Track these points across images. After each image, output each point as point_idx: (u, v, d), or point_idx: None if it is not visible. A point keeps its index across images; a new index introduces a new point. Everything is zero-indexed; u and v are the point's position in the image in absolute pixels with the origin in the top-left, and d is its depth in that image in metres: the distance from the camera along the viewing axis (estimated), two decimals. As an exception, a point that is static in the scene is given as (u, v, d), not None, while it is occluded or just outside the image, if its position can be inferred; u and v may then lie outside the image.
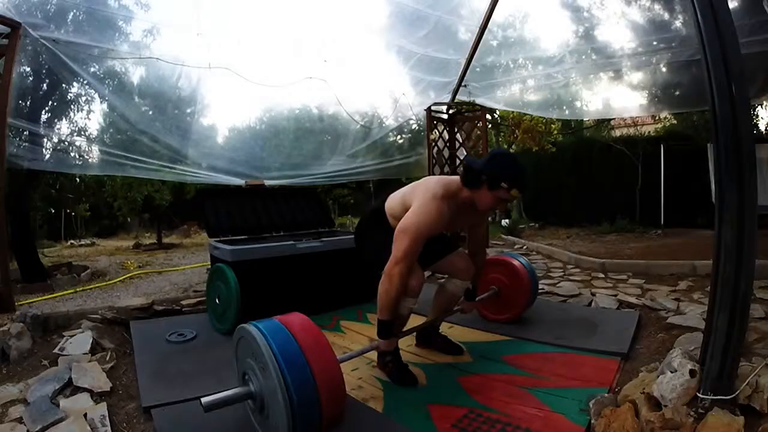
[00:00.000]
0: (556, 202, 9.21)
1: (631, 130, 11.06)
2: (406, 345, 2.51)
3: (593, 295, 3.44)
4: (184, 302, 3.47)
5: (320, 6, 4.21)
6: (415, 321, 2.60)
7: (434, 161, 5.60)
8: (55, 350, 2.44)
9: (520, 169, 1.96)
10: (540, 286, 3.80)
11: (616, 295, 3.35)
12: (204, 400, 1.44)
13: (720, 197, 1.50)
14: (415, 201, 2.00)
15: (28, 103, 4.33)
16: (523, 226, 9.12)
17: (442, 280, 2.49)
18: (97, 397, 1.98)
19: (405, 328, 2.22)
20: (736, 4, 3.60)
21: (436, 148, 5.80)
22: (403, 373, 2.12)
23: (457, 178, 2.07)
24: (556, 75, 5.20)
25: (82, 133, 4.90)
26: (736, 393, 1.44)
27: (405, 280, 1.91)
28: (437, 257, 2.33)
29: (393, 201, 2.18)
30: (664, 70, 4.72)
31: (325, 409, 1.40)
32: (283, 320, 1.54)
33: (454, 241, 2.49)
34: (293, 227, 3.87)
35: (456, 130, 6.01)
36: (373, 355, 2.31)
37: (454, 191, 2.03)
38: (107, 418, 1.77)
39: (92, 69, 4.13)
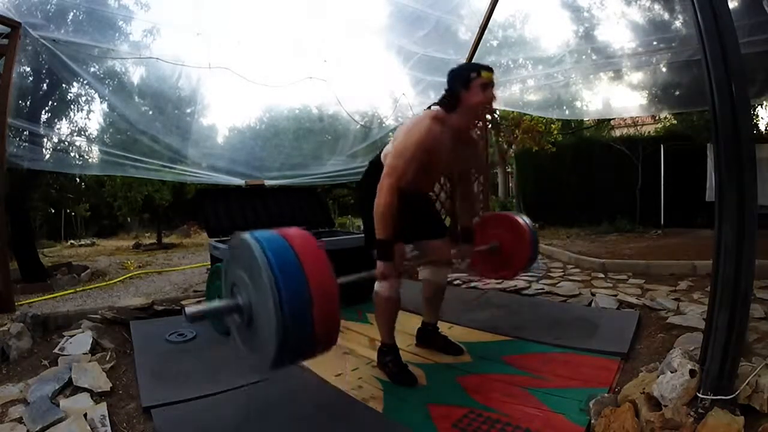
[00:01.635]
0: (556, 202, 9.21)
1: (631, 130, 11.07)
2: (406, 345, 2.51)
3: (593, 295, 3.44)
4: (184, 302, 3.47)
5: (320, 6, 4.21)
6: (413, 321, 2.61)
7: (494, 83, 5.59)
8: (55, 350, 2.44)
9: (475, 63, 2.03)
10: (540, 286, 3.81)
11: (616, 295, 3.35)
12: (188, 309, 1.35)
13: (720, 197, 1.50)
14: (405, 130, 1.99)
15: (28, 103, 4.33)
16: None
17: (424, 274, 2.44)
18: (97, 397, 1.98)
19: (403, 328, 2.22)
20: (736, 4, 3.60)
21: (436, 148, 5.79)
22: (402, 373, 2.12)
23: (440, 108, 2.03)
24: (556, 75, 5.20)
25: (82, 133, 4.91)
26: (736, 393, 1.44)
27: (395, 194, 1.84)
28: (426, 233, 2.26)
29: (388, 148, 2.10)
30: (664, 70, 4.72)
31: (317, 325, 1.30)
32: (282, 231, 1.44)
33: (444, 227, 2.46)
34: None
35: (456, 130, 6.01)
36: (373, 355, 2.31)
37: (442, 118, 1.98)
38: (107, 418, 1.77)
39: (92, 69, 4.13)
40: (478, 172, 2.40)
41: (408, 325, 2.66)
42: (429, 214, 2.37)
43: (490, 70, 1.95)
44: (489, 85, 1.95)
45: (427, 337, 2.51)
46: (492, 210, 10.22)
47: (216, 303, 1.46)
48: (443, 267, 2.39)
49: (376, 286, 2.17)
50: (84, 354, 2.41)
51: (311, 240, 1.45)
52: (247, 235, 1.38)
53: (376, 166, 2.15)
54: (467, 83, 1.93)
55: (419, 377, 2.13)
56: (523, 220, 2.70)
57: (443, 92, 2.03)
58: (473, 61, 5.07)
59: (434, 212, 2.50)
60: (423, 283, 2.46)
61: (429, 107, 2.11)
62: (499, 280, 4.15)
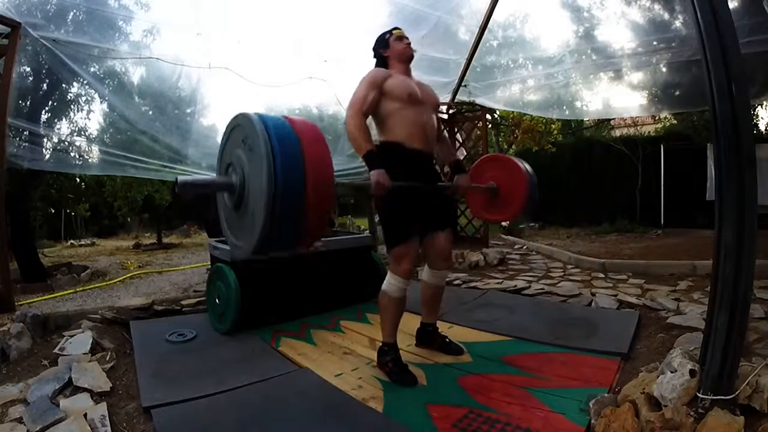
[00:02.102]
0: (556, 202, 9.21)
1: (631, 130, 11.06)
2: (406, 345, 2.51)
3: (593, 295, 3.44)
4: (184, 302, 3.47)
5: (320, 6, 4.21)
6: (413, 321, 2.61)
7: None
8: (55, 350, 2.44)
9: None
10: (540, 286, 3.81)
11: (616, 295, 3.35)
12: (180, 179, 1.34)
13: (720, 197, 1.50)
14: None
15: (28, 103, 4.33)
16: (522, 226, 9.11)
17: (423, 275, 2.45)
18: (97, 397, 1.98)
19: (403, 328, 2.21)
20: (736, 4, 3.60)
21: (436, 148, 5.79)
22: (402, 373, 2.12)
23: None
24: (556, 75, 5.21)
25: (82, 133, 4.90)
26: (736, 393, 1.44)
27: (359, 117, 2.05)
28: (433, 226, 2.28)
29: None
30: (664, 70, 4.73)
31: (309, 205, 1.28)
32: (289, 117, 1.44)
33: (453, 217, 2.49)
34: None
35: (456, 130, 6.01)
36: (373, 355, 2.31)
37: (382, 70, 2.27)
38: (107, 418, 1.77)
39: (92, 69, 4.13)
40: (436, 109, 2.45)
41: (408, 325, 2.66)
42: (439, 202, 2.34)
43: (398, 28, 2.35)
44: (401, 37, 2.31)
45: (427, 337, 2.51)
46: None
47: (210, 177, 1.46)
48: (442, 270, 2.38)
49: (386, 284, 2.18)
50: (84, 354, 2.41)
51: (311, 125, 1.45)
52: (252, 114, 1.38)
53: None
54: (385, 43, 2.31)
55: (419, 377, 2.13)
56: (523, 164, 2.66)
57: (375, 53, 2.37)
58: (473, 61, 5.09)
59: (446, 200, 2.44)
60: (421, 284, 2.46)
61: None
62: (499, 282, 4.15)
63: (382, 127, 2.22)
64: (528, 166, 2.68)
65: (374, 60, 2.38)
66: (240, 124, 1.44)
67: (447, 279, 2.50)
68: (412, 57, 2.31)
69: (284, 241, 1.35)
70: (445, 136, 2.69)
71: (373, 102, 2.12)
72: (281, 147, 1.26)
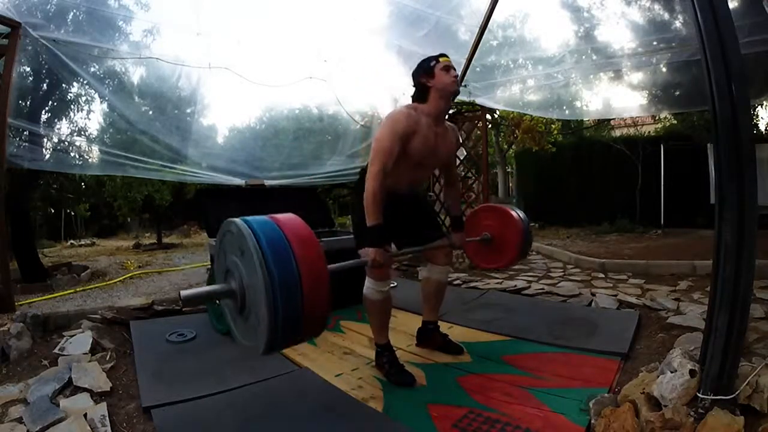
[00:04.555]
0: (556, 202, 9.21)
1: (631, 130, 11.07)
2: (406, 345, 2.52)
3: (593, 295, 3.44)
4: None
5: (320, 6, 4.21)
6: (413, 321, 2.61)
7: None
8: (55, 350, 2.44)
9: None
10: (540, 286, 3.81)
11: (616, 295, 3.35)
12: (183, 293, 1.40)
13: (720, 197, 1.50)
14: (383, 122, 2.07)
15: (28, 103, 4.33)
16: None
17: (424, 273, 2.47)
18: (97, 397, 1.98)
19: (403, 328, 2.22)
20: (736, 4, 3.60)
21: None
22: (399, 373, 2.11)
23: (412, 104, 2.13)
24: (556, 75, 5.20)
25: (82, 133, 4.90)
26: (736, 393, 1.44)
27: (380, 180, 1.92)
28: (424, 238, 2.29)
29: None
30: (664, 70, 4.72)
31: (306, 306, 1.33)
32: (273, 216, 1.48)
33: (440, 229, 2.48)
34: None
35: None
36: (373, 355, 2.31)
37: (417, 107, 2.09)
38: (107, 418, 1.77)
39: (92, 69, 4.12)
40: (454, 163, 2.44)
41: (408, 325, 2.67)
42: (425, 219, 2.37)
43: (445, 55, 2.11)
44: (449, 67, 2.08)
45: (428, 336, 2.50)
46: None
47: (211, 287, 1.49)
48: (444, 265, 2.39)
49: (365, 288, 2.18)
50: (84, 354, 2.41)
51: (301, 224, 1.48)
52: (238, 220, 1.42)
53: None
54: (430, 71, 2.07)
55: (419, 377, 2.13)
56: (516, 212, 2.73)
57: (414, 82, 2.14)
58: (473, 61, 5.08)
59: (431, 216, 2.50)
60: (422, 282, 2.46)
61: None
62: (499, 282, 4.16)
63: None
64: (521, 213, 2.76)
65: (412, 87, 2.16)
66: (229, 231, 1.49)
67: (447, 277, 2.50)
68: (457, 94, 2.14)
69: (291, 332, 1.40)
70: (456, 183, 2.60)
71: (396, 156, 1.97)
72: (275, 258, 1.31)
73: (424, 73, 2.07)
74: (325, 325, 1.48)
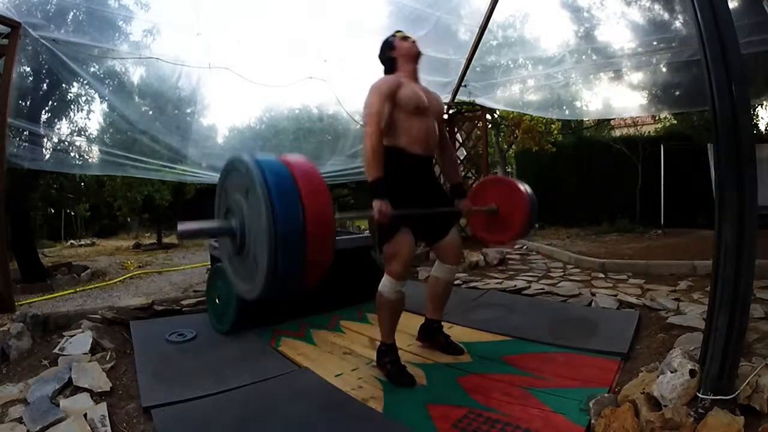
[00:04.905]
0: (556, 202, 9.20)
1: (631, 130, 11.06)
2: (407, 345, 2.51)
3: (593, 295, 3.44)
4: (184, 302, 3.47)
5: (320, 6, 4.21)
6: (413, 321, 2.60)
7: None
8: (55, 350, 2.44)
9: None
10: (540, 286, 3.81)
11: (616, 295, 3.35)
12: (180, 226, 1.36)
13: (720, 197, 1.50)
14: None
15: (28, 103, 4.33)
16: (523, 226, 9.10)
17: (433, 271, 2.45)
18: (97, 397, 1.98)
19: (403, 328, 2.21)
20: (736, 4, 3.60)
21: (436, 148, 5.79)
22: (400, 374, 2.11)
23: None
24: (556, 75, 5.21)
25: (82, 133, 4.91)
26: (736, 393, 1.44)
27: (377, 137, 2.03)
28: (439, 233, 2.30)
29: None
30: (664, 70, 4.73)
31: (310, 248, 1.29)
32: (281, 156, 1.44)
33: (455, 217, 2.49)
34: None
35: (456, 130, 6.02)
36: (373, 354, 2.31)
37: (391, 76, 2.24)
38: (107, 418, 1.77)
39: (92, 69, 4.13)
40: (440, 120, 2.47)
41: (408, 325, 2.66)
42: (438, 202, 2.33)
43: (400, 31, 2.34)
44: (405, 36, 2.29)
45: (430, 334, 2.50)
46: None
47: (210, 223, 1.46)
48: (454, 265, 2.38)
49: (382, 285, 2.16)
50: (84, 354, 2.41)
51: (310, 167, 1.43)
52: (246, 157, 1.38)
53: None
54: (391, 44, 2.28)
55: (419, 377, 2.13)
56: (523, 186, 2.67)
57: (381, 58, 2.33)
58: (473, 61, 5.09)
59: (443, 198, 2.42)
60: (430, 280, 2.46)
61: None
62: (499, 282, 4.15)
63: (385, 131, 2.18)
64: (528, 188, 2.70)
65: (381, 66, 2.34)
66: (235, 168, 1.44)
67: (455, 276, 2.49)
68: (419, 54, 2.29)
69: (290, 281, 1.35)
70: (450, 147, 2.67)
71: (387, 114, 2.10)
72: (277, 186, 1.27)
73: (387, 48, 2.29)
74: (325, 269, 1.41)
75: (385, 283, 2.15)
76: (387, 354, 2.19)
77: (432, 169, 2.39)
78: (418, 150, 2.19)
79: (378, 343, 2.31)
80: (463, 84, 5.35)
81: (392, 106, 2.11)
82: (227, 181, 1.51)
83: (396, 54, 2.26)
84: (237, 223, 1.41)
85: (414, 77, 2.27)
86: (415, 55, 2.28)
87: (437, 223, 2.30)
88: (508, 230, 2.69)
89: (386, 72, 2.31)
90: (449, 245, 2.33)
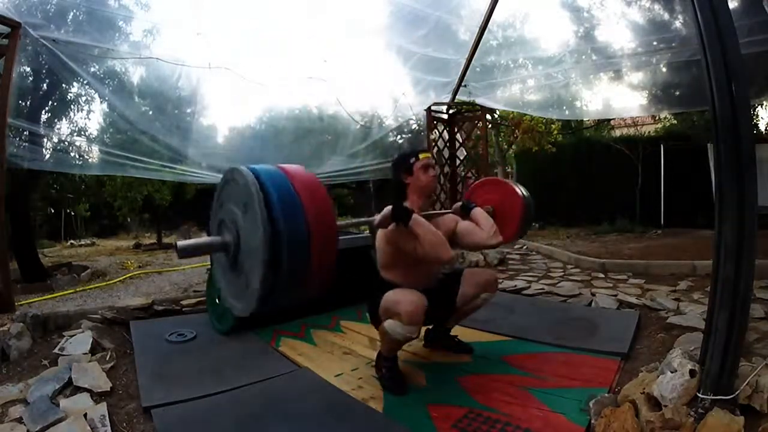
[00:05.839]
0: (556, 202, 9.20)
1: (631, 130, 11.06)
2: (407, 345, 2.50)
3: (593, 295, 3.44)
4: (184, 302, 3.47)
5: (320, 6, 4.21)
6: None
7: (434, 161, 5.63)
8: (55, 350, 2.44)
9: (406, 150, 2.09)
10: (540, 286, 3.81)
11: (616, 295, 3.35)
12: (179, 243, 1.34)
13: (720, 197, 1.50)
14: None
15: (28, 103, 4.33)
16: (523, 226, 9.10)
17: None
18: (97, 397, 1.98)
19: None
20: (736, 4, 3.60)
21: (436, 148, 5.80)
22: (394, 380, 2.05)
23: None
24: (556, 75, 5.21)
25: (82, 133, 4.91)
26: (736, 393, 1.44)
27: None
28: (452, 302, 2.20)
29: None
30: (664, 70, 4.73)
31: (314, 258, 1.24)
32: (281, 167, 1.41)
33: (457, 275, 2.32)
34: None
35: (456, 130, 6.02)
36: (373, 355, 2.31)
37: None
38: (107, 418, 1.77)
39: (92, 69, 4.13)
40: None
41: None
42: (442, 291, 2.22)
43: (426, 151, 2.12)
44: (428, 165, 2.07)
45: (437, 337, 2.49)
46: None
47: (204, 239, 1.47)
48: (492, 292, 2.30)
49: (388, 325, 1.92)
50: (84, 354, 2.41)
51: (311, 176, 1.41)
52: (244, 168, 1.34)
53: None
54: (409, 168, 2.06)
55: (419, 377, 2.13)
56: (519, 188, 2.66)
57: (393, 184, 2.11)
58: (473, 61, 5.08)
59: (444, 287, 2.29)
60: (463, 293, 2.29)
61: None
62: (499, 282, 4.15)
63: (388, 269, 2.10)
64: (524, 190, 2.69)
65: (391, 179, 2.14)
66: (233, 180, 1.40)
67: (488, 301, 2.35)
68: (435, 192, 2.08)
69: (286, 296, 1.33)
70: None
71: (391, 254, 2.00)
72: (279, 195, 1.23)
73: (402, 169, 2.07)
74: (326, 288, 1.40)
75: (394, 327, 1.89)
76: (387, 360, 2.15)
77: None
78: (419, 287, 2.03)
79: (378, 343, 2.30)
80: (463, 84, 5.35)
81: (396, 250, 1.98)
82: (223, 193, 1.48)
83: (410, 182, 2.04)
84: (231, 237, 1.38)
85: (422, 211, 2.04)
86: (431, 192, 2.10)
87: (441, 298, 2.17)
88: (503, 231, 2.59)
89: (393, 193, 2.10)
90: (475, 276, 2.24)
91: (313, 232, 1.25)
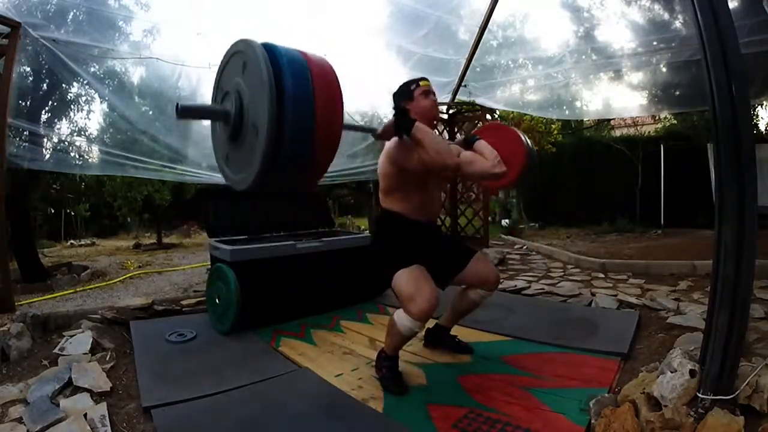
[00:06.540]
0: (556, 203, 9.21)
1: (631, 130, 11.06)
2: (407, 345, 2.50)
3: (593, 295, 3.44)
4: (184, 302, 3.47)
5: (320, 6, 4.21)
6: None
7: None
8: (55, 350, 2.44)
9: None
10: (540, 286, 3.81)
11: (616, 295, 3.35)
12: (181, 104, 1.34)
13: (720, 197, 1.50)
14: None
15: (28, 103, 4.33)
16: (523, 227, 9.12)
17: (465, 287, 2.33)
18: (97, 397, 1.98)
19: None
20: (736, 4, 3.60)
21: (436, 148, 5.79)
22: (393, 380, 2.06)
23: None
24: (556, 75, 5.21)
25: (82, 133, 4.90)
26: (736, 393, 1.44)
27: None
28: (456, 269, 2.20)
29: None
30: (664, 70, 4.73)
31: (318, 140, 1.23)
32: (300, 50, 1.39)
33: (468, 248, 2.33)
34: (293, 227, 3.87)
35: (456, 130, 6.01)
36: (373, 355, 2.31)
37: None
38: (107, 418, 1.77)
39: (92, 69, 4.13)
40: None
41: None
42: (449, 252, 2.26)
43: (426, 79, 2.10)
44: (429, 91, 2.07)
45: (437, 337, 2.49)
46: (492, 213, 10.20)
47: (208, 105, 1.45)
48: (491, 291, 2.28)
49: (398, 319, 1.97)
50: (84, 354, 2.41)
51: (325, 62, 1.40)
52: (251, 39, 1.32)
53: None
54: (410, 95, 2.06)
55: (419, 377, 2.13)
56: (522, 135, 2.59)
57: (396, 111, 2.06)
58: (473, 61, 5.09)
59: (452, 246, 2.34)
60: (461, 292, 2.33)
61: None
62: (500, 282, 4.15)
63: (389, 194, 2.11)
64: (526, 137, 2.59)
65: (392, 109, 2.12)
66: (240, 51, 1.37)
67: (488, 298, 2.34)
68: (437, 118, 2.08)
69: (288, 173, 1.29)
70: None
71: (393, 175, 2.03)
72: (292, 73, 1.22)
73: (403, 95, 2.08)
74: (323, 174, 1.40)
75: (405, 323, 1.93)
76: (387, 360, 2.15)
77: (434, 234, 2.28)
78: (417, 217, 2.09)
79: (378, 344, 2.31)
80: (463, 84, 5.35)
81: (397, 169, 2.01)
82: (228, 65, 1.46)
83: (410, 107, 2.04)
84: (233, 106, 1.36)
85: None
86: (433, 119, 2.10)
87: (446, 257, 2.20)
88: (507, 172, 2.62)
89: (399, 120, 2.10)
90: (482, 265, 2.23)
91: (318, 105, 1.24)
